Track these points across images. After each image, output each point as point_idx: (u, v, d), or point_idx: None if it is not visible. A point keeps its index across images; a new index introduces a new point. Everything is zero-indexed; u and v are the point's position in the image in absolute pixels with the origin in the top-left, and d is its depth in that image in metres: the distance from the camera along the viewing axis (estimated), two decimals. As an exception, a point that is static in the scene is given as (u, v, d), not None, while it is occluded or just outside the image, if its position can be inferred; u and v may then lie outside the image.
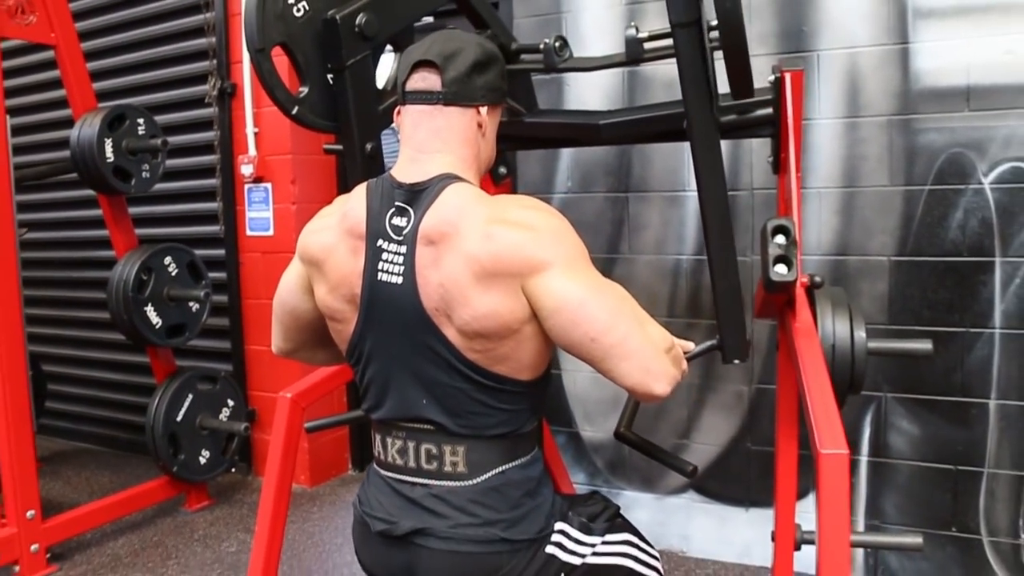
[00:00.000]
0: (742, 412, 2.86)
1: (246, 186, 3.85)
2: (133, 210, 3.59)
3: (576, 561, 1.52)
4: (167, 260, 3.40)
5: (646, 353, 1.34)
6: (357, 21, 1.76)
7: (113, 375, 4.35)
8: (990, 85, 2.44)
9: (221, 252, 3.97)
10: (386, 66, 2.07)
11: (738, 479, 2.89)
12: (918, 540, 2.25)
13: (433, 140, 1.45)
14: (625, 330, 1.33)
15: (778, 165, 2.15)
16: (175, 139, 3.75)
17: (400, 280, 1.40)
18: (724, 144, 2.68)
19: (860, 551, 2.75)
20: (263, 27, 1.67)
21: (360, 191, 1.48)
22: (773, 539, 2.29)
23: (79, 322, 4.43)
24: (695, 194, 2.79)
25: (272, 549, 2.12)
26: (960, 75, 2.47)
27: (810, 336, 1.88)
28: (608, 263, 2.97)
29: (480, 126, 1.47)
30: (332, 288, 1.48)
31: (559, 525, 1.50)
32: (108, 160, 3.15)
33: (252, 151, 3.78)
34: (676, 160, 2.84)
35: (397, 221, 1.41)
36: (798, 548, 2.29)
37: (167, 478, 3.47)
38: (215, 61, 3.80)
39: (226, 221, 3.92)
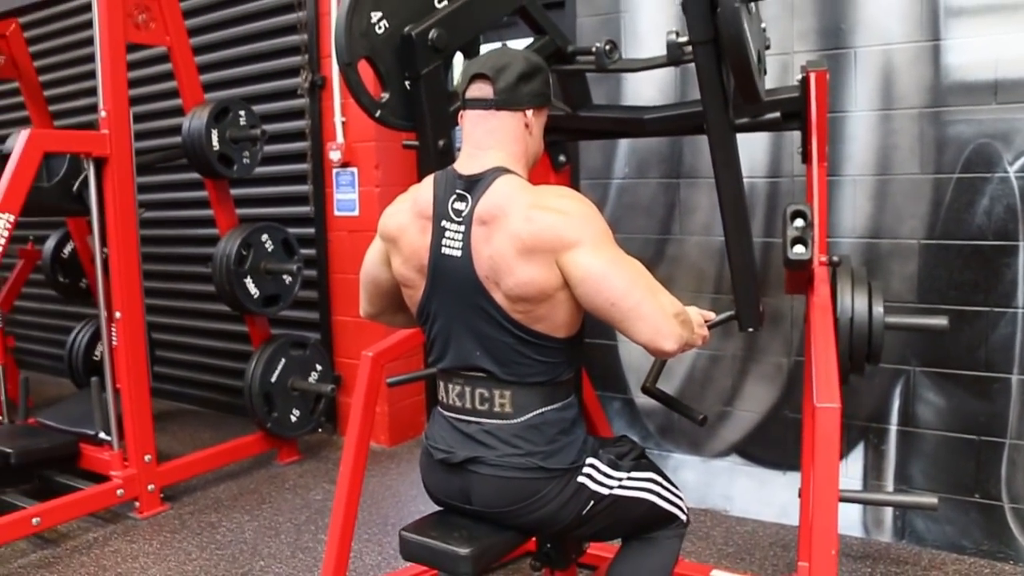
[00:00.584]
0: (781, 382, 3.11)
1: (334, 170, 4.24)
2: (234, 192, 4.01)
3: (604, 491, 1.83)
4: (264, 237, 3.80)
5: (657, 317, 1.64)
6: (430, 36, 2.07)
7: (214, 342, 4.83)
8: (1017, 79, 2.62)
9: (311, 231, 4.37)
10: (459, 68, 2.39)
11: (777, 444, 3.14)
12: (933, 500, 2.51)
13: (487, 139, 1.77)
14: (639, 297, 1.64)
15: (806, 156, 2.39)
16: (270, 127, 4.15)
17: (459, 253, 1.72)
18: (765, 136, 2.93)
19: (889, 514, 2.97)
20: (350, 44, 1.99)
21: (428, 181, 1.82)
22: (799, 495, 2.55)
23: (184, 294, 4.92)
24: (761, 180, 3.06)
25: (352, 493, 2.46)
26: (988, 70, 2.66)
27: (824, 309, 2.13)
28: (660, 243, 3.24)
29: (527, 126, 1.79)
30: (405, 260, 1.82)
31: (590, 460, 1.81)
32: (214, 148, 3.57)
33: (340, 138, 4.15)
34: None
35: (458, 205, 1.74)
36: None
37: (262, 433, 3.90)
38: (307, 56, 4.18)
39: (316, 202, 4.32)
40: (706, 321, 1.95)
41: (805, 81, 2.24)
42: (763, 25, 2.14)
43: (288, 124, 4.32)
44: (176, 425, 4.57)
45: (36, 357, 5.83)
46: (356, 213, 4.18)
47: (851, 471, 3.00)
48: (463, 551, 1.72)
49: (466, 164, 1.78)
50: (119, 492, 3.35)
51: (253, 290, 3.75)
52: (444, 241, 1.75)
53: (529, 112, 1.78)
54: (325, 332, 4.37)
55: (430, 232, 1.77)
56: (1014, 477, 2.76)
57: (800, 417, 3.04)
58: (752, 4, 1.85)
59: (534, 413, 1.76)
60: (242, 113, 3.67)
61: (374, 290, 1.98)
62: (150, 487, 3.44)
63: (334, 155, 4.20)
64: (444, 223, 1.75)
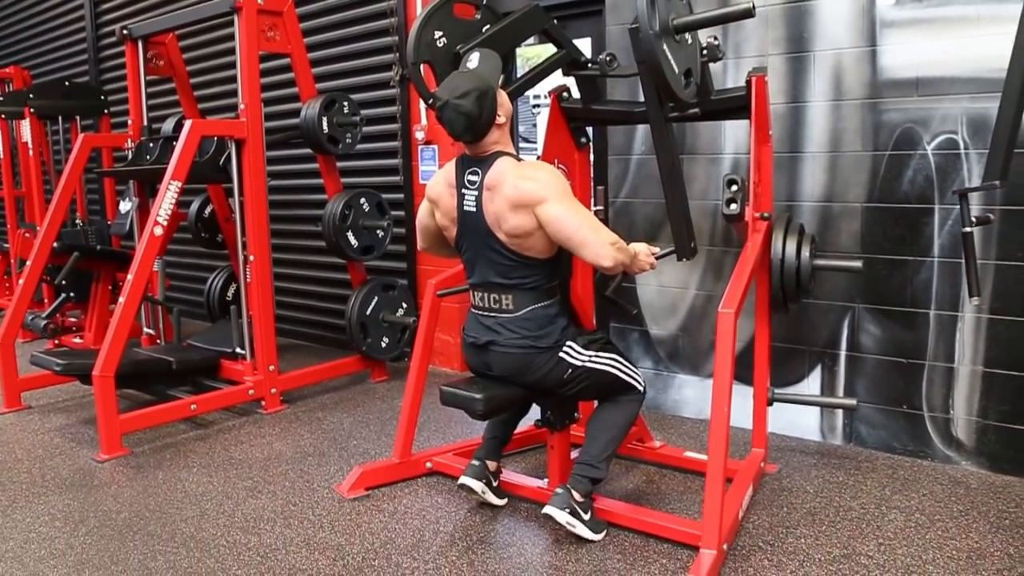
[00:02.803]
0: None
1: (419, 147, 5.25)
2: (339, 164, 5.05)
3: (578, 363, 2.79)
4: (362, 200, 4.85)
5: (596, 244, 2.63)
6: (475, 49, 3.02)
7: (321, 289, 5.96)
8: (932, 77, 3.39)
9: (400, 196, 5.40)
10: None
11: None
12: (852, 401, 3.38)
13: (483, 145, 2.78)
14: (585, 232, 2.62)
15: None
16: (367, 112, 5.19)
17: (475, 209, 2.72)
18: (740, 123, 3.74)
19: (839, 422, 3.79)
20: (417, 50, 2.96)
21: (452, 163, 2.83)
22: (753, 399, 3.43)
23: (298, 248, 6.06)
24: (729, 156, 3.92)
25: (420, 374, 3.48)
26: (912, 70, 3.44)
27: (750, 251, 3.01)
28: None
29: (500, 126, 2.77)
30: (444, 214, 2.86)
31: (568, 342, 2.77)
32: (324, 131, 4.64)
33: (424, 121, 5.15)
34: (715, 132, 3.95)
35: (471, 177, 2.75)
36: (770, 404, 3.44)
37: (359, 356, 4.98)
38: (397, 55, 5.19)
39: (404, 173, 5.35)
40: (654, 253, 2.88)
41: (749, 83, 3.10)
42: (712, 41, 2.97)
43: (382, 110, 5.36)
44: (291, 355, 5.71)
45: (175, 303, 7.09)
46: (438, 171, 5.18)
47: (811, 388, 3.84)
48: (478, 395, 2.71)
49: (474, 150, 2.79)
50: (250, 392, 4.47)
51: (353, 241, 4.81)
52: (464, 202, 2.78)
53: (499, 116, 2.74)
54: (411, 278, 5.41)
55: (456, 196, 2.80)
56: (932, 392, 3.55)
57: (780, 345, 3.87)
58: (685, 34, 2.72)
59: (527, 309, 2.74)
60: (346, 103, 4.71)
61: (424, 232, 3.05)
62: (273, 390, 4.55)
63: (419, 135, 5.20)
64: (463, 190, 2.78)
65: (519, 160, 2.73)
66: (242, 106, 4.37)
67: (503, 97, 2.79)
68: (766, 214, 3.14)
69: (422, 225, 3.02)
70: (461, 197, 2.78)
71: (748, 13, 2.59)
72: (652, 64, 2.57)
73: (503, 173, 2.68)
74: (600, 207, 4.38)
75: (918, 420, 3.59)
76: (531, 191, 2.63)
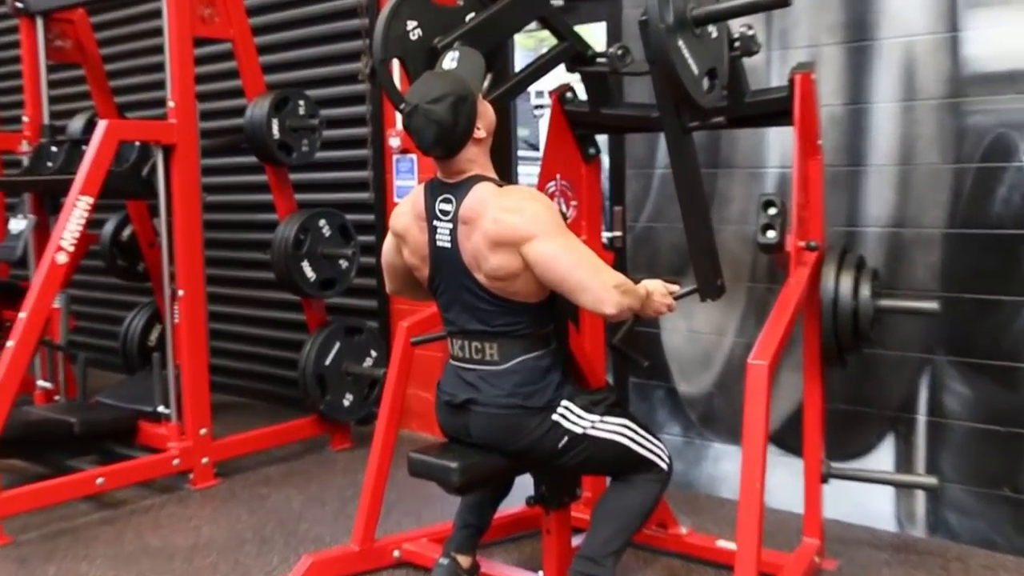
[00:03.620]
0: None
1: (394, 157, 5.42)
2: (293, 177, 5.21)
3: (577, 430, 2.90)
4: (321, 222, 5.01)
5: (597, 288, 2.75)
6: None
7: (270, 331, 6.13)
8: (1033, 70, 3.53)
9: (371, 217, 5.56)
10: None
11: (814, 435, 4.09)
12: (933, 480, 3.47)
13: (457, 166, 2.92)
14: (582, 274, 2.75)
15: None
16: (329, 113, 5.35)
17: (449, 245, 2.89)
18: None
19: (921, 508, 3.88)
20: (386, 44, 3.10)
21: (420, 189, 3.00)
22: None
23: (241, 281, 6.23)
24: (774, 170, 4.09)
25: (387, 445, 3.60)
26: (1006, 61, 3.58)
27: (793, 290, 3.13)
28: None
29: (479, 141, 2.90)
30: (412, 251, 3.05)
31: (565, 402, 2.89)
32: (275, 136, 4.82)
33: (400, 125, 5.31)
34: (756, 141, 4.11)
35: (444, 207, 2.91)
36: (825, 481, 3.54)
37: (315, 417, 5.12)
38: (367, 40, 5.37)
39: (376, 189, 5.53)
40: (671, 292, 3.02)
41: (792, 82, 3.24)
42: (745, 31, 3.12)
43: (348, 110, 5.55)
44: (230, 415, 5.83)
45: (80, 349, 7.23)
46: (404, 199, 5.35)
47: (882, 462, 3.94)
48: (453, 464, 2.83)
49: (447, 170, 2.92)
50: (175, 462, 4.60)
51: (310, 273, 4.97)
52: (437, 236, 2.92)
53: (478, 129, 2.88)
54: (383, 319, 5.56)
55: (427, 230, 2.95)
56: (1039, 469, 3.64)
57: (838, 408, 3.98)
58: (707, 26, 2.87)
59: (515, 360, 2.86)
60: (301, 102, 4.91)
61: (391, 272, 3.20)
62: (204, 460, 4.68)
63: (394, 141, 5.37)
64: (435, 223, 2.93)
65: (500, 186, 2.88)
66: (171, 104, 4.54)
67: (484, 106, 2.93)
68: (813, 243, 3.27)
69: (388, 264, 3.17)
70: (433, 231, 2.92)
71: (783, 1, 2.74)
72: (665, 65, 2.71)
73: (482, 203, 2.82)
74: (618, 232, 4.56)
75: None
76: (515, 226, 2.77)
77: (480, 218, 2.80)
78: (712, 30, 2.93)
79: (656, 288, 2.96)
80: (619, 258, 4.43)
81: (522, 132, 5.44)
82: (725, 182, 4.20)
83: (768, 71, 4.05)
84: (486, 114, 2.93)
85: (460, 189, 2.87)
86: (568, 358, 3.09)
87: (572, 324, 3.32)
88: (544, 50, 3.54)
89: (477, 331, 2.90)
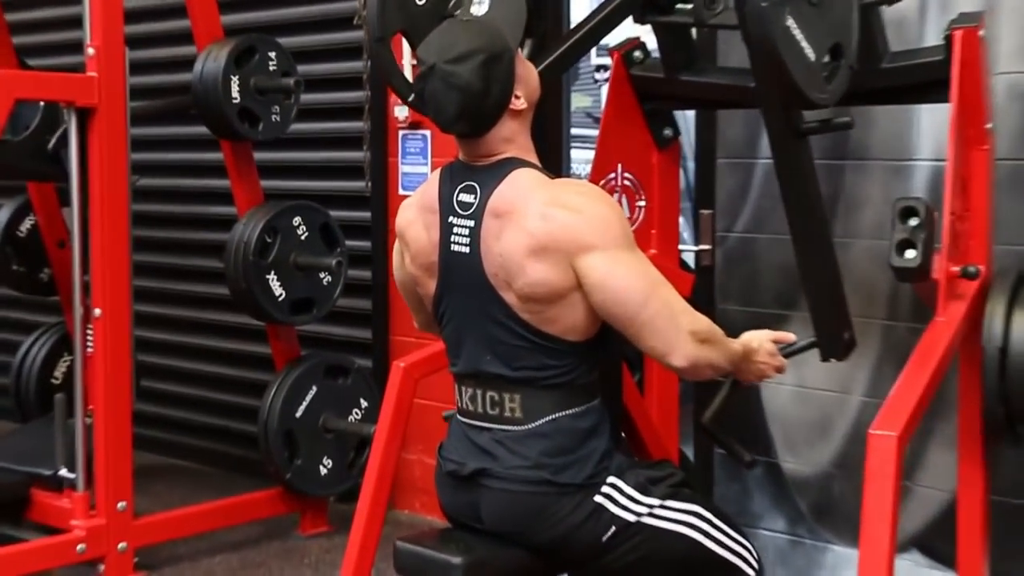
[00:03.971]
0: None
1: (400, 132, 5.50)
2: (260, 156, 5.30)
3: (629, 517, 2.96)
4: (296, 221, 5.10)
5: (670, 332, 2.81)
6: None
7: (223, 369, 6.23)
8: None
9: (366, 214, 5.65)
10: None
11: (974, 539, 4.11)
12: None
13: (487, 147, 2.96)
14: (654, 310, 2.80)
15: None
16: (314, 68, 5.46)
17: (468, 250, 2.94)
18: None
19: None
20: (383, 14, 3.18)
21: (436, 174, 3.06)
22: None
23: (183, 298, 6.34)
24: (927, 163, 4.14)
25: (369, 541, 3.63)
26: None
27: (941, 331, 3.17)
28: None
29: (519, 112, 2.94)
30: (413, 257, 3.10)
31: (612, 479, 2.95)
32: (234, 101, 4.92)
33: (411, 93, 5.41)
34: (903, 122, 4.16)
35: (465, 197, 2.96)
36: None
37: (279, 489, 5.21)
38: (365, -30, 5.49)
39: (374, 175, 5.61)
40: (780, 346, 3.10)
41: (949, 41, 3.29)
42: None
43: (338, 65, 5.65)
44: (161, 484, 5.92)
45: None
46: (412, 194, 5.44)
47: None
48: (456, 560, 2.90)
49: (473, 152, 2.97)
50: (80, 548, 4.66)
51: (277, 290, 5.05)
52: (453, 237, 2.97)
53: (517, 97, 2.92)
54: (380, 357, 5.64)
55: (437, 228, 3.00)
56: None
57: (1007, 501, 4.00)
58: None
59: (546, 419, 2.93)
60: (272, 55, 5.03)
61: (411, 297, 3.26)
62: (122, 545, 4.76)
63: (400, 112, 5.45)
64: (451, 218, 2.98)
65: (550, 177, 2.94)
66: (90, 51, 4.64)
67: (526, 67, 2.98)
68: (973, 268, 3.29)
69: (400, 283, 3.27)
70: (446, 229, 2.97)
71: None
72: (766, 53, 2.77)
73: (523, 193, 2.87)
74: (704, 246, 4.62)
75: None
76: (572, 228, 2.81)
77: (519, 212, 2.84)
78: None
79: (761, 344, 3.04)
80: (704, 282, 4.50)
81: (579, 102, 5.52)
82: (855, 179, 4.25)
83: (922, 25, 4.09)
84: (528, 78, 2.97)
85: (490, 175, 2.92)
86: (619, 416, 3.17)
87: (628, 371, 3.41)
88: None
89: (494, 376, 2.95)
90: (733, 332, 3.05)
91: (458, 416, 3.10)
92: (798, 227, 3.20)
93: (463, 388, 3.06)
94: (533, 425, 2.94)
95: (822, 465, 4.44)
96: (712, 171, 4.66)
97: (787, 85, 2.84)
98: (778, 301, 4.37)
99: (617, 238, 2.83)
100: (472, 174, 2.95)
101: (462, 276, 2.96)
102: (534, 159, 2.98)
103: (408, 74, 3.37)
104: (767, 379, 3.11)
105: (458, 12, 3.20)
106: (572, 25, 3.86)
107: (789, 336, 3.15)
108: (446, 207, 2.97)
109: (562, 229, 2.80)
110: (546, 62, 3.35)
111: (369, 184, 5.64)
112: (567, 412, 2.95)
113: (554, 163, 5.06)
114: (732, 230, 4.60)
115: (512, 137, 2.94)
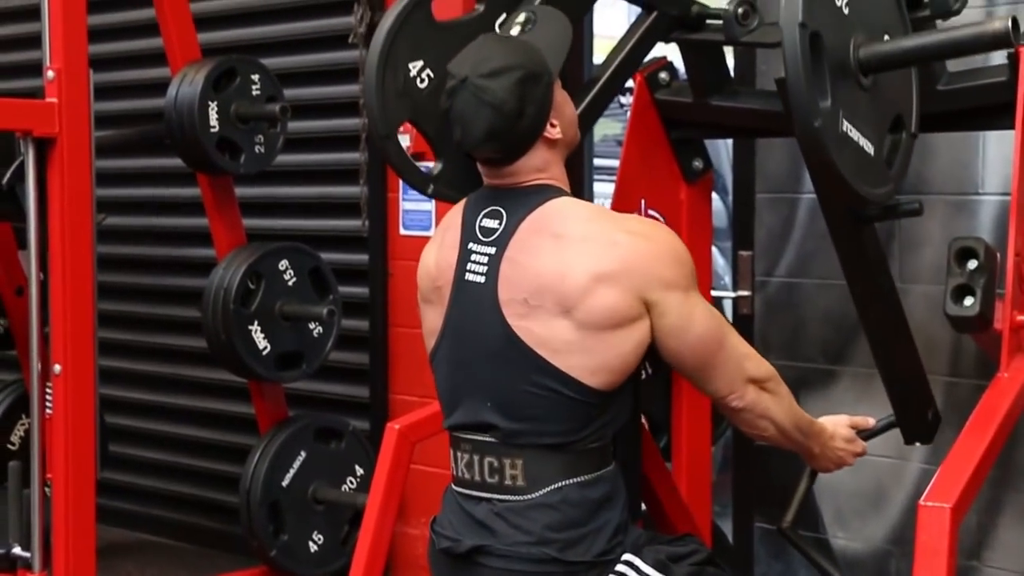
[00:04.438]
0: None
1: (402, 164, 5.52)
2: (242, 192, 5.32)
3: (647, 599, 2.94)
4: (283, 264, 5.11)
5: (735, 376, 2.87)
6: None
7: (195, 431, 6.21)
8: None
9: (363, 257, 5.65)
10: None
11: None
12: None
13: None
14: (726, 356, 2.85)
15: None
16: (304, 92, 5.47)
17: (483, 279, 2.92)
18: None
19: None
20: (385, 109, 3.12)
21: (460, 203, 3.05)
22: None
23: (156, 352, 6.34)
24: (993, 198, 4.13)
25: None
26: None
27: (1005, 389, 3.15)
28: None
29: (554, 142, 2.95)
30: (429, 290, 3.09)
31: (627, 556, 2.93)
32: (212, 129, 4.93)
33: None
34: (968, 151, 4.15)
35: (488, 223, 2.95)
36: None
37: (264, 568, 5.19)
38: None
39: (372, 213, 5.62)
40: (860, 431, 3.17)
41: (1014, 59, 3.28)
42: None
43: (331, 89, 5.68)
44: (133, 563, 5.91)
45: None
46: (433, 233, 5.43)
47: None
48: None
49: (500, 178, 2.97)
50: (34, 644, 4.68)
51: (261, 343, 5.05)
52: (469, 265, 2.96)
53: (553, 125, 2.93)
54: (378, 418, 5.60)
55: (456, 251, 2.99)
56: None
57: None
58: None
59: (551, 488, 2.91)
60: (255, 77, 5.04)
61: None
62: (84, 637, 4.76)
63: (402, 139, 5.44)
64: (471, 244, 2.97)
65: (606, 209, 2.99)
66: (50, 74, 4.65)
67: (564, 97, 3.00)
68: (1054, 316, 3.28)
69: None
70: (464, 255, 2.96)
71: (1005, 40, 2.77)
72: (823, 166, 2.77)
73: (578, 218, 2.86)
74: (744, 292, 4.61)
75: None
76: (645, 256, 2.82)
77: (577, 237, 2.82)
78: None
79: (836, 428, 3.10)
80: (743, 333, 4.49)
81: (604, 129, 5.53)
82: (913, 217, 4.24)
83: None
84: (566, 109, 2.98)
85: (521, 200, 2.91)
86: (638, 484, 3.16)
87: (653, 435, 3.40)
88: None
89: (493, 431, 2.94)
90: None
91: (453, 485, 3.07)
92: (870, 317, 3.30)
93: (459, 453, 3.03)
94: (537, 495, 2.92)
95: (876, 541, 4.42)
96: (751, 207, 4.67)
97: (847, 191, 2.85)
98: (825, 355, 4.37)
99: (691, 277, 2.88)
100: (498, 199, 2.94)
101: (470, 308, 2.96)
102: (568, 191, 2.97)
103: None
104: (845, 466, 3.17)
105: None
106: (594, 62, 3.86)
107: (868, 421, 3.21)
108: (467, 233, 2.97)
109: (638, 257, 2.82)
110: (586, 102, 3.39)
111: (366, 223, 5.65)
112: (576, 480, 2.93)
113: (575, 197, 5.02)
114: (773, 274, 4.60)
115: (545, 167, 2.93)
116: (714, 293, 4.35)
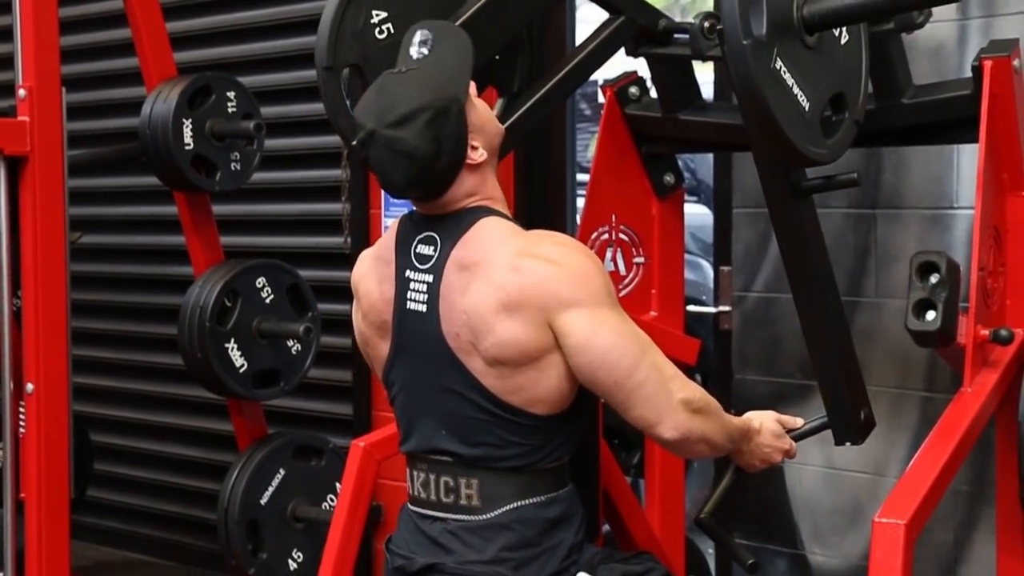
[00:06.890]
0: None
1: (383, 182, 5.55)
2: (220, 210, 5.35)
3: (598, 619, 2.97)
4: (260, 282, 5.13)
5: (660, 401, 2.84)
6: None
7: (172, 449, 6.26)
8: None
9: (344, 274, 5.59)
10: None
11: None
12: None
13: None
14: (644, 376, 2.84)
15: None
16: (283, 109, 5.52)
17: (425, 308, 2.97)
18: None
19: None
20: (335, 44, 3.18)
21: (395, 223, 3.08)
22: None
23: (133, 370, 6.38)
24: (967, 212, 4.16)
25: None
26: None
27: (967, 404, 3.16)
28: (847, 309, 4.25)
29: (477, 165, 2.97)
30: (364, 314, 3.13)
31: (582, 575, 2.95)
32: (186, 147, 4.97)
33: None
34: (942, 166, 4.19)
35: (423, 249, 3.00)
36: None
37: (242, 587, 5.21)
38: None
39: (354, 230, 5.66)
40: (790, 431, 3.15)
41: (978, 72, 3.30)
42: None
43: (310, 106, 5.62)
44: (107, 581, 5.96)
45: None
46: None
47: None
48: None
49: (431, 207, 2.99)
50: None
51: (238, 361, 5.07)
52: (409, 294, 3.00)
53: (474, 148, 2.95)
54: (361, 435, 5.58)
55: (392, 283, 3.03)
56: None
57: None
58: (818, 34, 2.93)
59: (506, 508, 2.96)
60: (231, 94, 5.08)
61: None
62: None
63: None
64: (408, 272, 3.01)
65: (521, 230, 2.97)
66: (22, 92, 4.70)
67: (479, 112, 3.00)
68: (1006, 331, 3.28)
69: (365, 350, 3.27)
70: (402, 285, 3.00)
71: None
72: (752, 102, 2.79)
73: (492, 243, 2.89)
74: (724, 308, 4.63)
75: None
76: (546, 282, 2.84)
77: (487, 264, 2.86)
78: (841, 32, 3.01)
79: (764, 425, 3.08)
80: (723, 349, 4.51)
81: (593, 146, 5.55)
82: (888, 231, 4.27)
83: (962, 52, 4.10)
84: (484, 124, 2.99)
85: (452, 225, 2.94)
86: (591, 502, 3.19)
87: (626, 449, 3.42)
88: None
89: (449, 455, 2.98)
90: (752, 404, 3.08)
91: (408, 505, 3.11)
92: (802, 295, 3.26)
93: (414, 472, 3.07)
94: (492, 515, 2.96)
95: (854, 557, 4.43)
96: (727, 222, 4.71)
97: (777, 137, 2.85)
98: (803, 371, 4.37)
99: (600, 294, 2.87)
100: (432, 224, 2.96)
101: (416, 338, 2.99)
102: (504, 208, 3.00)
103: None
104: (772, 464, 3.14)
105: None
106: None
107: (796, 421, 3.19)
108: (403, 260, 2.99)
109: (538, 283, 2.83)
110: (514, 116, 3.40)
111: (348, 239, 5.69)
112: (531, 500, 2.97)
113: (558, 214, 5.18)
114: (751, 289, 4.63)
115: (475, 190, 2.95)
116: (694, 309, 4.40)
